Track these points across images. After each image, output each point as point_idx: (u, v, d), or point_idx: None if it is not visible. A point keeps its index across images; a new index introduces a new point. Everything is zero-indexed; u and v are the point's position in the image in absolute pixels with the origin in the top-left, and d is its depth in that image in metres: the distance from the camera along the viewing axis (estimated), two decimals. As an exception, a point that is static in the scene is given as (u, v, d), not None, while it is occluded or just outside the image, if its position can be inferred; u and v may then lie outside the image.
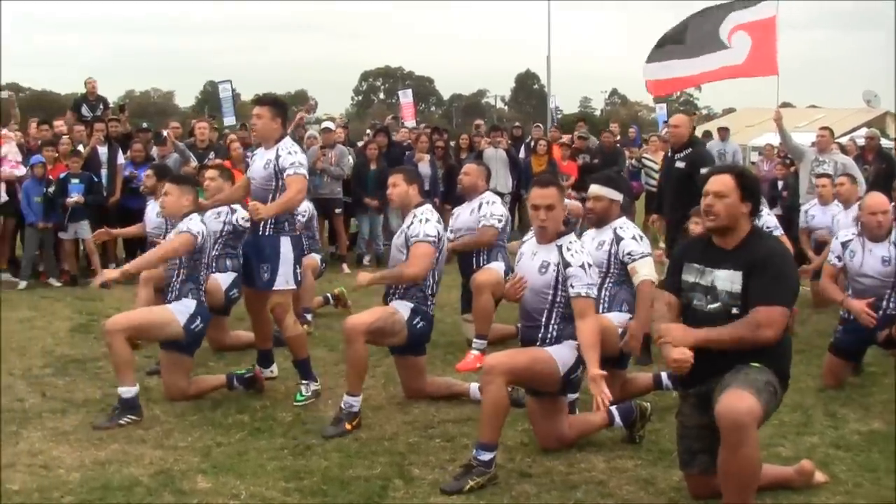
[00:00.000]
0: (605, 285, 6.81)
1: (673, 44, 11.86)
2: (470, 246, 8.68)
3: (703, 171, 9.61)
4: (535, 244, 5.90)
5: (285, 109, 7.37)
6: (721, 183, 4.93)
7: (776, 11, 11.25)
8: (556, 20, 76.08)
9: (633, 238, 6.88)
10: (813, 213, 10.94)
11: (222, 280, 8.43)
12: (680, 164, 9.52)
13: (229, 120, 18.28)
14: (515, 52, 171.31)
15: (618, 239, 6.88)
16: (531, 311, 5.77)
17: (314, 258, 10.09)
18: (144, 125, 15.83)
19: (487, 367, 5.45)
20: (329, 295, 10.65)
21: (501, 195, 16.18)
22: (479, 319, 8.32)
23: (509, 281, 5.95)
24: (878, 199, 7.45)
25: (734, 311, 4.82)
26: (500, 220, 8.73)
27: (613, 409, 6.07)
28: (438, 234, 6.72)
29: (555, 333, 5.72)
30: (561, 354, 5.66)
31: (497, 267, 8.59)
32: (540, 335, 5.74)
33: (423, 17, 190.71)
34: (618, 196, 7.06)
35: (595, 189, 7.04)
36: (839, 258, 7.60)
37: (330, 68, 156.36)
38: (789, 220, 11.61)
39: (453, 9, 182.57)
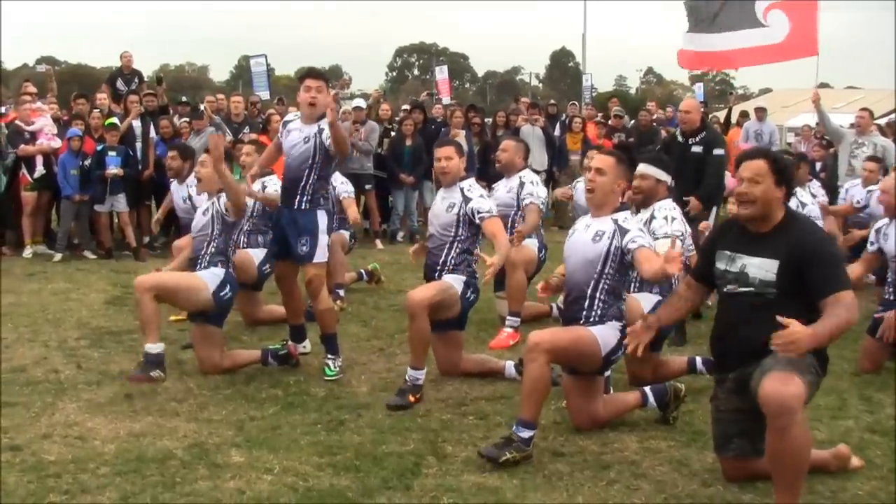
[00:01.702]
0: None
1: (707, 18, 11.79)
2: (527, 232, 8.49)
3: (717, 151, 9.77)
4: (589, 218, 5.90)
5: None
6: (755, 169, 4.84)
7: None
8: (592, -2, 75.45)
9: (665, 218, 6.91)
10: (853, 192, 10.80)
11: (255, 255, 8.49)
12: (696, 149, 9.69)
13: (264, 94, 18.28)
14: (551, 29, 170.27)
15: (651, 219, 6.91)
16: (579, 282, 5.75)
17: (343, 234, 10.09)
18: (184, 99, 15.89)
19: (531, 344, 5.43)
20: (363, 270, 10.67)
21: (537, 173, 16.15)
22: (513, 297, 8.31)
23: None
24: (888, 181, 7.37)
25: (769, 296, 4.76)
26: (543, 202, 8.76)
27: (647, 389, 6.08)
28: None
29: (599, 311, 5.69)
30: (604, 334, 5.64)
31: (531, 244, 8.58)
32: (584, 313, 5.71)
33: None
34: (665, 176, 7.08)
35: (642, 168, 7.03)
36: (873, 243, 7.52)
37: (364, 44, 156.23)
38: (829, 201, 11.49)
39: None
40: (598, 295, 5.70)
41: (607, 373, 6.36)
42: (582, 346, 5.60)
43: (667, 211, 6.97)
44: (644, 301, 6.67)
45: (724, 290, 5.02)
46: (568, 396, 5.97)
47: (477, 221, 6.72)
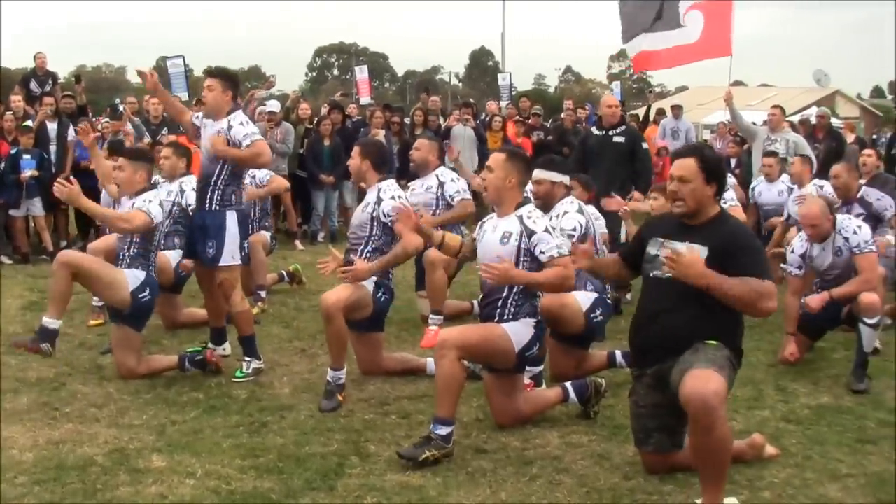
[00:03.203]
0: None
1: (644, 21, 12.01)
2: (450, 221, 8.57)
3: (644, 146, 10.08)
4: (495, 219, 5.93)
5: (237, 83, 7.36)
6: (685, 167, 4.91)
7: None
8: (511, -3, 75.99)
9: (558, 215, 7.00)
10: (760, 189, 10.99)
11: (172, 257, 8.39)
12: (619, 139, 9.89)
13: (182, 95, 18.04)
14: (470, 28, 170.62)
15: (553, 218, 6.92)
16: (493, 284, 5.76)
17: (264, 235, 10.04)
18: (117, 101, 15.74)
19: (440, 341, 5.48)
20: (284, 272, 10.63)
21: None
22: (433, 296, 8.35)
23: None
24: (807, 209, 7.50)
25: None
26: (469, 193, 8.82)
27: (568, 385, 6.14)
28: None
29: (513, 310, 5.71)
30: (516, 331, 5.67)
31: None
32: (498, 311, 5.74)
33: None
34: (560, 178, 7.16)
35: (537, 173, 7.07)
36: (800, 268, 7.61)
37: (284, 44, 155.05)
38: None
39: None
40: (511, 294, 5.72)
41: (539, 368, 6.45)
42: (493, 343, 5.63)
43: (564, 206, 7.08)
44: (581, 298, 6.73)
45: (651, 274, 5.07)
46: (489, 394, 5.99)
47: (387, 222, 6.72)
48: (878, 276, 7.56)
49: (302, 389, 6.73)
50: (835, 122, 21.96)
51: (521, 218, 5.76)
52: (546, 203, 7.04)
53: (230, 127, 6.91)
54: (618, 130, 10.06)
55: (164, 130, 13.72)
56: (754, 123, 13.27)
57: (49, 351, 6.76)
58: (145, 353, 7.27)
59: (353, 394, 6.64)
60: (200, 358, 7.13)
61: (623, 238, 9.39)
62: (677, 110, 19.48)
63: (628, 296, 9.85)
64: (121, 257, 7.11)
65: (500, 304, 5.74)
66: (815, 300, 7.32)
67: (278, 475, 5.15)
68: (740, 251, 4.77)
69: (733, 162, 16.38)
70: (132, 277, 6.97)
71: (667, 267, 4.67)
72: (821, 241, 7.42)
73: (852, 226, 7.39)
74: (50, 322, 6.78)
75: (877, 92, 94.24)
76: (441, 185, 8.71)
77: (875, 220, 8.59)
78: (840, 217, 7.54)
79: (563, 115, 18.88)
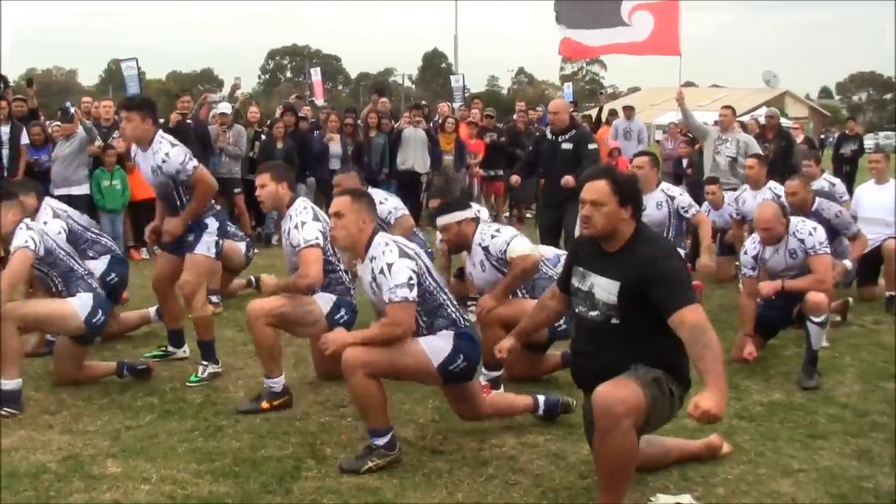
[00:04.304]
0: None
1: (573, 17, 12.08)
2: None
3: (592, 146, 10.04)
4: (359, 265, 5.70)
5: (154, 108, 7.25)
6: (597, 191, 4.67)
7: None
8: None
9: (493, 235, 6.77)
10: (744, 197, 10.79)
11: (97, 267, 7.97)
12: (566, 146, 9.89)
13: (136, 98, 17.95)
14: (423, 30, 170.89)
15: (492, 236, 6.79)
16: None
17: (240, 245, 10.00)
18: (68, 104, 15.60)
19: (343, 361, 5.24)
20: (252, 277, 10.55)
21: (419, 175, 16.25)
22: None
23: None
24: (760, 213, 7.55)
25: (613, 321, 4.66)
26: (405, 210, 8.63)
27: (540, 398, 6.08)
28: (320, 231, 6.36)
29: (425, 330, 5.45)
30: (433, 346, 5.39)
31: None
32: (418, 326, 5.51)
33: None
34: (462, 215, 6.81)
35: (439, 221, 6.91)
36: (754, 269, 7.62)
37: (236, 46, 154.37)
38: (695, 196, 11.79)
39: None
40: (419, 322, 5.44)
41: (498, 372, 6.47)
42: (403, 359, 5.32)
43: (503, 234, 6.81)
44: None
45: (576, 310, 4.91)
46: (448, 399, 5.90)
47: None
48: (839, 272, 7.66)
49: (257, 393, 6.70)
50: (784, 122, 22.21)
51: (372, 261, 5.41)
52: (461, 245, 6.89)
53: (163, 161, 6.90)
54: (566, 136, 10.07)
55: (115, 133, 13.59)
56: (705, 123, 13.37)
57: (13, 413, 6.28)
58: (97, 359, 7.22)
59: (309, 397, 6.64)
60: (142, 368, 7.05)
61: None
62: (629, 111, 19.59)
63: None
64: (52, 287, 6.81)
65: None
66: (768, 286, 7.38)
67: (234, 479, 5.13)
68: (653, 284, 4.46)
69: (685, 162, 16.55)
70: (80, 304, 6.75)
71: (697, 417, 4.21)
72: (773, 244, 7.48)
73: (807, 228, 7.44)
74: (8, 384, 6.35)
75: (825, 93, 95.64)
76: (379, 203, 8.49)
77: (832, 232, 8.50)
78: (794, 220, 7.56)
79: (515, 116, 18.94)
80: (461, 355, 5.41)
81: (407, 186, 16.22)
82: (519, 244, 6.68)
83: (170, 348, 7.59)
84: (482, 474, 5.23)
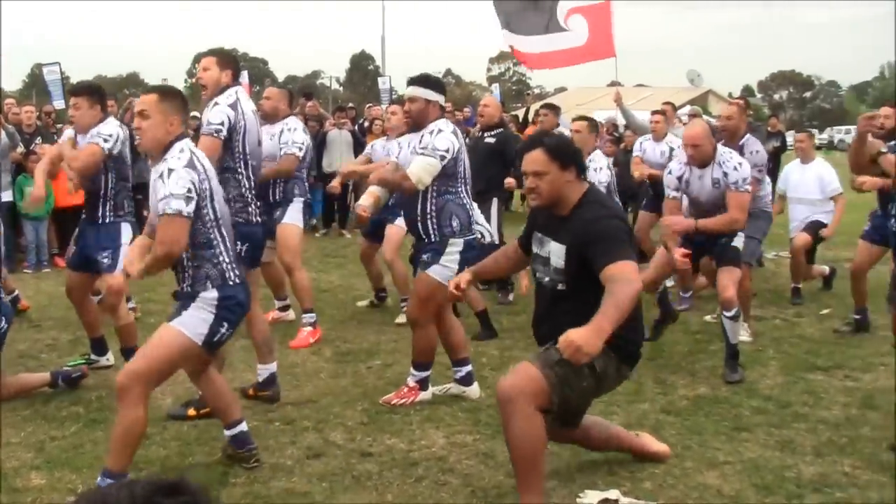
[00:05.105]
0: (429, 197, 6.31)
1: (514, 21, 12.17)
2: (269, 176, 7.99)
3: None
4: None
5: (102, 94, 7.22)
6: (536, 161, 4.68)
7: None
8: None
9: (431, 132, 6.32)
10: (646, 146, 10.98)
11: None
12: (490, 140, 9.90)
13: (59, 104, 17.67)
14: (350, 32, 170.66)
15: (420, 138, 6.44)
16: None
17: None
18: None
19: (118, 387, 4.85)
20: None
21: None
22: (300, 295, 8.41)
23: None
24: (690, 129, 7.53)
25: (560, 286, 4.72)
26: (300, 148, 8.31)
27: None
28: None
29: (190, 282, 4.95)
30: (187, 323, 4.86)
31: (296, 220, 8.41)
32: (182, 285, 5.06)
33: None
34: (436, 97, 6.55)
35: (410, 90, 6.57)
36: (677, 190, 7.58)
37: (162, 50, 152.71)
38: (621, 193, 11.86)
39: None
40: (185, 260, 4.95)
41: (427, 373, 6.46)
42: (167, 356, 4.86)
43: (438, 125, 6.38)
44: (436, 276, 6.26)
45: (536, 274, 4.97)
46: (188, 374, 5.49)
47: None
48: (741, 276, 7.68)
49: (184, 400, 6.61)
50: (707, 119, 22.49)
51: (167, 161, 4.86)
52: (419, 123, 6.54)
53: (98, 133, 6.81)
54: (492, 133, 10.11)
55: (38, 140, 13.37)
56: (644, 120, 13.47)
57: None
58: (20, 371, 7.10)
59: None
60: (77, 375, 6.93)
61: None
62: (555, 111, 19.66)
63: (510, 297, 9.98)
64: None
65: (180, 276, 5.07)
66: (681, 224, 7.30)
67: (161, 487, 5.06)
68: (592, 241, 4.48)
69: (611, 161, 16.64)
70: None
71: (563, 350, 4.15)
72: (700, 167, 7.39)
73: (734, 161, 7.33)
74: None
75: (747, 91, 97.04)
76: (281, 132, 8.30)
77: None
78: (723, 149, 7.50)
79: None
80: (225, 323, 4.93)
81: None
82: (419, 164, 6.25)
83: (93, 356, 7.48)
84: (412, 475, 5.23)
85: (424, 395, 6.47)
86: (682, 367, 7.40)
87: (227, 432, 5.35)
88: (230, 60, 6.55)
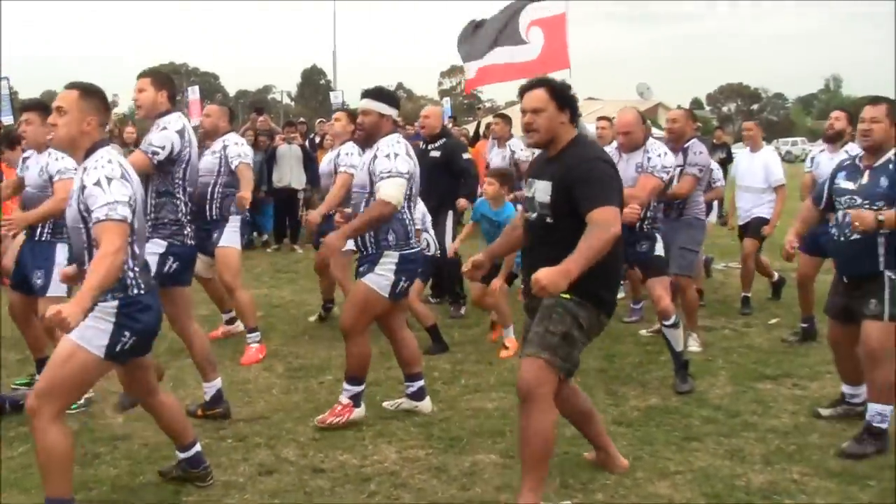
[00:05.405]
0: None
1: (478, 36, 12.24)
2: (244, 191, 7.89)
3: (466, 156, 10.11)
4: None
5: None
6: (536, 99, 4.91)
7: (566, 8, 11.66)
8: (342, 14, 76.23)
9: (388, 156, 6.22)
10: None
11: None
12: (435, 154, 9.92)
13: (7, 119, 17.48)
14: (302, 47, 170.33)
15: (374, 157, 6.30)
16: None
17: None
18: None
19: (27, 410, 4.68)
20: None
21: (296, 191, 16.16)
22: (244, 315, 8.37)
23: None
24: (623, 115, 7.59)
25: (548, 220, 4.86)
26: (248, 157, 8.32)
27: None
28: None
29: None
30: (85, 335, 4.59)
31: (234, 242, 8.32)
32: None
33: (208, 12, 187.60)
34: (389, 110, 6.49)
35: (364, 103, 6.51)
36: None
37: (113, 65, 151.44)
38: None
39: (237, 5, 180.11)
40: (86, 261, 4.72)
41: (360, 387, 6.33)
42: (70, 372, 4.63)
43: (392, 147, 6.28)
44: (373, 284, 6.22)
45: (524, 217, 5.14)
46: (122, 384, 5.45)
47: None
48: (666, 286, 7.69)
49: (134, 418, 6.56)
50: (657, 132, 22.68)
51: (85, 170, 4.69)
52: (371, 136, 6.46)
53: (48, 163, 6.74)
54: (436, 144, 10.09)
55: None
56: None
57: None
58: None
59: (189, 419, 6.51)
60: (23, 403, 6.82)
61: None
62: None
63: (462, 310, 10.00)
64: None
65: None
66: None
67: (111, 507, 5.03)
68: (579, 182, 4.70)
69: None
70: None
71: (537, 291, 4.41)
72: (628, 152, 7.49)
73: (661, 150, 7.46)
74: None
75: (696, 104, 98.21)
76: (225, 147, 8.27)
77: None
78: (654, 140, 7.62)
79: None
80: (126, 332, 4.68)
81: (284, 203, 16.18)
82: (392, 185, 6.16)
83: (37, 377, 7.38)
84: (364, 491, 5.22)
85: (359, 413, 6.37)
86: (633, 379, 7.45)
87: (183, 455, 5.28)
88: (165, 81, 6.54)
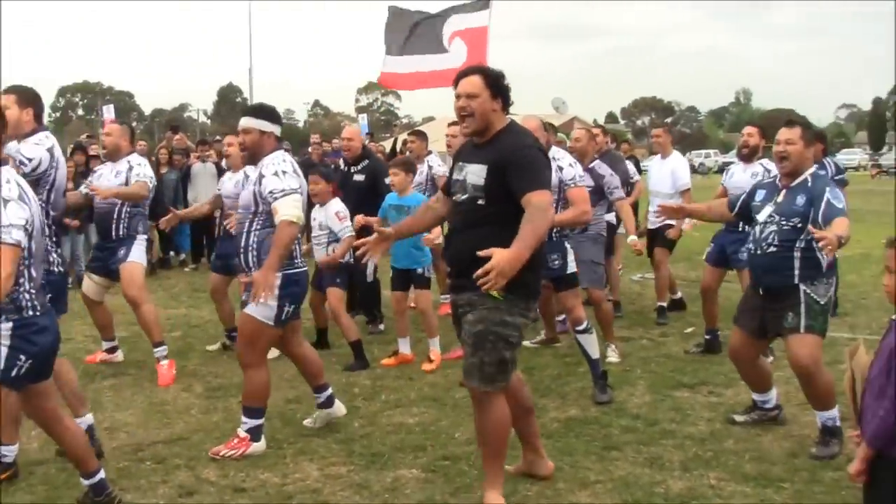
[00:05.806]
0: (252, 229, 6.16)
1: (403, 40, 12.26)
2: (122, 196, 8.08)
3: (388, 180, 10.09)
4: None
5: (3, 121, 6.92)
6: (471, 84, 5.03)
7: (489, 21, 11.74)
8: (258, 32, 75.92)
9: (276, 174, 6.03)
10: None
11: None
12: (359, 177, 9.91)
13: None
14: (218, 65, 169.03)
15: (260, 177, 6.11)
16: None
17: None
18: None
19: None
20: None
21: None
22: (149, 329, 8.29)
23: None
24: (525, 122, 7.71)
25: (479, 202, 4.95)
26: (151, 180, 8.32)
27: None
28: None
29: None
30: None
31: (139, 258, 8.32)
32: None
33: (123, 29, 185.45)
34: (271, 127, 6.29)
35: (244, 121, 6.32)
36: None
37: (24, 83, 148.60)
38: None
39: (153, 23, 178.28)
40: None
41: (259, 421, 6.18)
42: None
43: (278, 165, 6.11)
44: (257, 315, 6.06)
45: (453, 199, 5.20)
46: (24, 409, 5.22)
47: None
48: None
49: (52, 443, 6.42)
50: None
51: None
52: (254, 155, 6.27)
53: None
54: (359, 167, 10.05)
55: None
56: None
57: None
58: None
59: (105, 443, 6.40)
60: None
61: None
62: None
63: (381, 326, 10.01)
64: None
65: None
66: None
67: (27, 534, 4.93)
68: (514, 166, 4.85)
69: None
70: None
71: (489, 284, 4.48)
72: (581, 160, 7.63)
73: (568, 159, 7.56)
74: None
75: (611, 117, 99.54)
76: (130, 168, 8.23)
77: (599, 194, 8.63)
78: (557, 148, 7.72)
79: (310, 148, 18.92)
80: (21, 355, 4.54)
81: (201, 223, 16.03)
82: (289, 203, 5.97)
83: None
84: (286, 509, 5.20)
85: (258, 447, 6.13)
86: (553, 390, 7.51)
87: (87, 482, 5.09)
88: (31, 98, 6.33)
